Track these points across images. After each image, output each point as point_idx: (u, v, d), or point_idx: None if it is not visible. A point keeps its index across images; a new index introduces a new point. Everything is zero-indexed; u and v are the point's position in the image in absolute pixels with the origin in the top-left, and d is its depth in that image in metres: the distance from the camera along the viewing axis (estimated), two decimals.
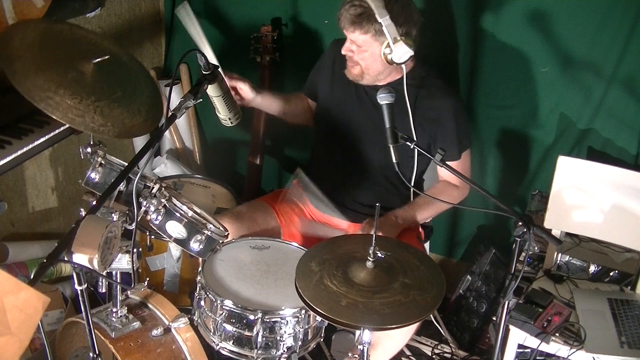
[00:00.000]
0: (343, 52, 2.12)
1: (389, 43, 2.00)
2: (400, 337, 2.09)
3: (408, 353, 2.62)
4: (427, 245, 2.54)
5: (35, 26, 1.69)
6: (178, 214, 1.73)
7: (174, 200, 1.73)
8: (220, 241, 1.81)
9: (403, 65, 2.07)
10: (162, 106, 1.73)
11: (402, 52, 2.01)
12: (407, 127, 2.14)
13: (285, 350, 1.81)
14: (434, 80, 2.20)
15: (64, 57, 1.63)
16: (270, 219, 2.30)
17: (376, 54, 2.06)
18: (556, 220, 2.21)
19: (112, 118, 1.59)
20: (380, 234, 1.98)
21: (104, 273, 1.56)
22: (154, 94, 1.80)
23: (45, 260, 1.28)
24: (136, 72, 1.82)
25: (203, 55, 1.76)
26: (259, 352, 1.79)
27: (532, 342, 1.99)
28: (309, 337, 1.86)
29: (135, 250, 1.74)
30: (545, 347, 1.98)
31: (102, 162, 1.70)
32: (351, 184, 2.30)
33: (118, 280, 1.87)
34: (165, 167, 2.95)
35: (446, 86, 2.21)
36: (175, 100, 1.75)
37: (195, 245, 1.76)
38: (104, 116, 1.57)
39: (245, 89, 2.19)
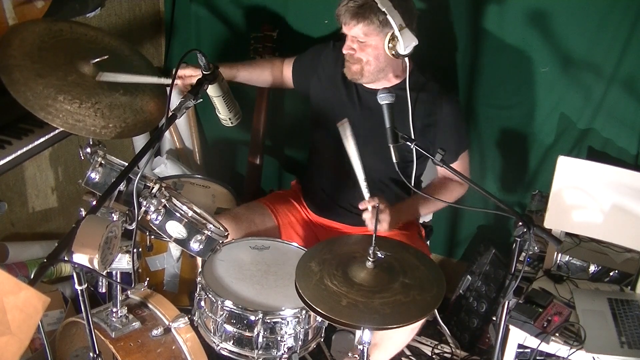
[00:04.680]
0: (344, 51, 2.10)
1: (393, 35, 1.98)
2: (401, 338, 2.09)
3: (408, 353, 2.63)
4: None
5: (34, 28, 1.69)
6: (178, 214, 1.73)
7: (174, 200, 1.73)
8: (220, 241, 1.81)
9: (407, 59, 2.06)
10: (166, 97, 1.72)
11: (408, 41, 1.99)
12: (407, 130, 2.13)
13: (286, 350, 1.81)
14: (432, 84, 2.19)
15: (63, 59, 1.63)
16: (268, 220, 2.29)
17: (379, 47, 2.04)
18: (556, 220, 2.21)
19: (113, 118, 1.59)
20: (381, 225, 1.98)
21: (104, 273, 1.56)
22: (157, 87, 1.79)
23: (45, 260, 1.28)
24: (139, 66, 1.82)
25: (203, 55, 1.76)
26: (260, 352, 1.79)
27: (532, 342, 1.99)
28: (310, 338, 1.86)
29: (135, 250, 1.74)
30: (545, 347, 1.98)
31: (102, 162, 1.70)
32: (347, 188, 2.30)
33: (118, 280, 1.87)
34: (165, 167, 2.95)
35: (444, 90, 2.20)
36: (175, 100, 1.74)
37: (195, 245, 1.76)
38: (105, 118, 1.57)
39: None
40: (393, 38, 2.00)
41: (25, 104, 1.47)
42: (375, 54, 2.06)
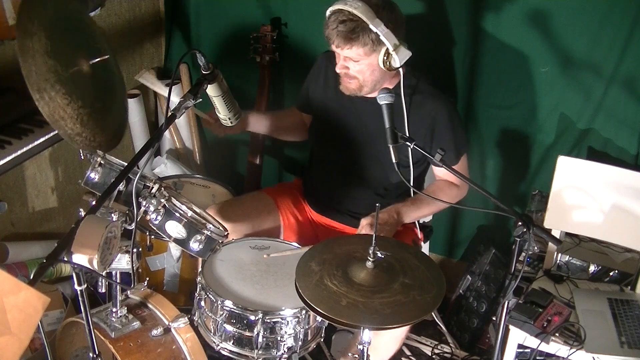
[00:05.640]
0: (338, 70, 2.07)
1: (387, 51, 1.96)
2: (393, 337, 2.08)
3: (408, 353, 2.63)
4: (427, 245, 2.54)
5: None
6: (177, 214, 1.73)
7: (174, 200, 1.73)
8: (220, 241, 1.81)
9: (401, 69, 2.05)
10: (125, 127, 1.70)
11: (403, 56, 1.97)
12: (402, 132, 2.12)
13: (286, 350, 1.81)
14: (425, 87, 2.16)
15: (70, 46, 1.60)
16: (272, 216, 2.32)
17: (374, 64, 2.01)
18: (556, 220, 2.21)
19: (87, 129, 1.56)
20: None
21: (104, 273, 1.56)
22: (121, 113, 1.76)
23: (45, 260, 1.28)
24: (118, 83, 1.79)
25: (203, 55, 1.76)
26: (260, 352, 1.79)
27: (532, 342, 1.99)
28: (309, 337, 1.86)
29: (135, 250, 1.74)
30: (545, 347, 1.98)
31: (102, 162, 1.70)
32: (347, 191, 2.30)
33: (118, 280, 1.87)
34: (165, 167, 2.95)
35: (437, 92, 2.17)
36: (175, 100, 1.74)
37: (195, 245, 1.76)
38: (83, 125, 1.54)
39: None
40: (387, 53, 1.97)
41: (27, 77, 1.46)
42: (371, 70, 2.03)
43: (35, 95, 1.47)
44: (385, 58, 1.99)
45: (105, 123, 1.61)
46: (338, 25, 1.93)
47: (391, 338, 2.08)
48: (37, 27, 1.51)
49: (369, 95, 2.15)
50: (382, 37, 1.92)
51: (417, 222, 2.36)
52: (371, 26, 1.90)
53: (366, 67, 2.02)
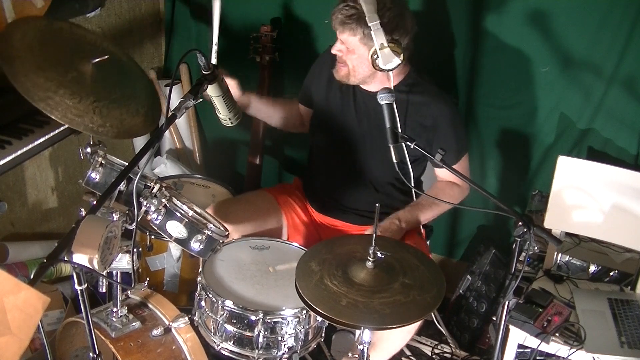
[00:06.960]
0: (333, 51, 2.11)
1: (376, 48, 1.98)
2: (399, 337, 2.09)
3: (408, 353, 2.63)
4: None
5: (35, 24, 1.69)
6: (178, 214, 1.73)
7: (175, 200, 1.73)
8: (221, 241, 1.81)
9: (390, 74, 2.05)
10: (161, 107, 1.72)
11: (389, 59, 1.99)
12: (402, 131, 2.12)
13: (286, 350, 1.81)
14: (428, 87, 2.17)
15: (64, 56, 1.63)
16: (275, 215, 2.32)
17: (364, 57, 2.04)
18: (556, 220, 2.21)
19: (110, 118, 1.58)
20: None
21: (104, 273, 1.56)
22: (152, 95, 1.79)
23: (45, 260, 1.28)
24: (134, 73, 1.82)
25: (203, 55, 1.76)
26: (260, 352, 1.79)
27: (532, 342, 1.99)
28: (310, 337, 1.87)
29: (135, 250, 1.74)
30: (545, 347, 1.98)
31: (103, 162, 1.70)
32: (348, 188, 2.30)
33: (118, 280, 1.87)
34: (165, 167, 2.95)
35: (440, 92, 2.19)
36: (175, 100, 1.74)
37: (195, 245, 1.76)
38: (103, 116, 1.57)
39: (231, 86, 2.16)
40: (375, 52, 2.00)
41: (25, 94, 1.47)
42: (359, 61, 2.06)
43: (40, 106, 1.48)
44: (375, 56, 2.00)
45: (131, 108, 1.64)
46: (342, 9, 2.01)
47: (395, 340, 2.08)
48: (21, 50, 1.53)
49: (368, 89, 2.16)
50: (372, 33, 1.95)
51: None
52: (367, 19, 1.93)
53: (357, 58, 2.06)
